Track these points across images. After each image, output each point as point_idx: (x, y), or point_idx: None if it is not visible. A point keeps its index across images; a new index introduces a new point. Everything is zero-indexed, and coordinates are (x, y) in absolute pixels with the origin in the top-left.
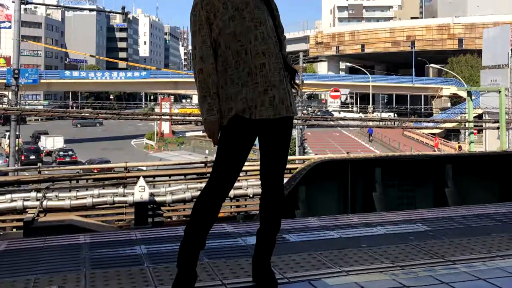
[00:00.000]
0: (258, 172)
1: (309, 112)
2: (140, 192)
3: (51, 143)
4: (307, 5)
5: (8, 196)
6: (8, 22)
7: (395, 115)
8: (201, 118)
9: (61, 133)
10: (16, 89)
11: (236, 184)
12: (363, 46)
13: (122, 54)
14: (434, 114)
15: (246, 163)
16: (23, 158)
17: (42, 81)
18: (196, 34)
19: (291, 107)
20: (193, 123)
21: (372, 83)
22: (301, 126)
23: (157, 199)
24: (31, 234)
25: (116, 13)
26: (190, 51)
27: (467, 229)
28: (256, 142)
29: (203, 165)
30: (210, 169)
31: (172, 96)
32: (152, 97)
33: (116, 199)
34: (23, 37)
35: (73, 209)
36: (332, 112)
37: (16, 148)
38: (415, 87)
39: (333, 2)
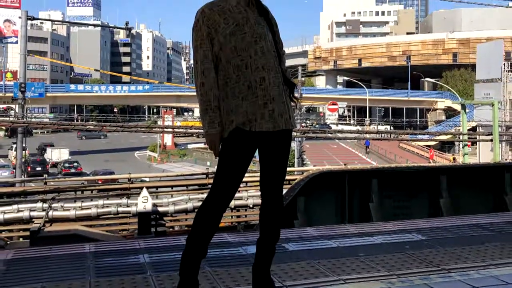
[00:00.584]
0: (258, 183)
1: (307, 124)
2: (143, 202)
3: (57, 155)
4: (306, 21)
5: (15, 206)
6: (15, 37)
7: (391, 127)
8: (202, 130)
9: (67, 145)
10: (22, 103)
11: (237, 194)
12: (360, 60)
13: (126, 69)
14: (429, 127)
15: (246, 174)
16: (29, 169)
17: (48, 94)
18: (198, 49)
19: (290, 120)
20: (194, 135)
21: (369, 96)
22: (300, 139)
23: (160, 209)
24: (37, 244)
25: (120, 28)
26: (192, 66)
27: (461, 239)
28: (256, 154)
29: (204, 176)
30: (211, 180)
31: (175, 109)
32: (155, 110)
33: (120, 209)
34: (30, 52)
35: (78, 219)
36: (330, 125)
37: (23, 159)
38: (411, 101)
39: (331, 18)
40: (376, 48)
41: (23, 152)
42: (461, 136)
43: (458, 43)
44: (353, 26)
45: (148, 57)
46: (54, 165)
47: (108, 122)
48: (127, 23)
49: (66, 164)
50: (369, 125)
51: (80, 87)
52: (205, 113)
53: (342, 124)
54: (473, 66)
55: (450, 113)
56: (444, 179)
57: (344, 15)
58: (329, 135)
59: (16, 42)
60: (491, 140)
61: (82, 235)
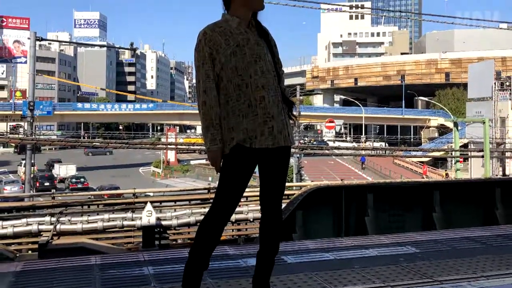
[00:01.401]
0: (258, 198)
1: (305, 141)
2: (148, 216)
3: (64, 170)
4: (304, 42)
5: (24, 220)
6: (24, 57)
7: (386, 144)
8: (204, 147)
9: (74, 161)
10: (31, 120)
11: (237, 209)
12: (356, 80)
13: (131, 87)
14: (422, 144)
15: (246, 189)
16: (38, 184)
17: (55, 112)
18: (200, 69)
19: (289, 137)
20: (197, 152)
21: (364, 114)
22: (298, 155)
23: (164, 223)
24: (46, 256)
25: (125, 49)
26: (194, 85)
27: (454, 251)
28: (256, 169)
29: (206, 191)
30: (213, 195)
31: (178, 127)
32: (158, 128)
33: (125, 223)
34: (38, 72)
35: (85, 232)
36: (327, 142)
37: (32, 175)
38: (405, 118)
39: (328, 38)
40: (372, 68)
41: (32, 168)
42: (453, 153)
43: (451, 63)
44: (349, 46)
45: (152, 77)
46: (62, 180)
47: (114, 139)
48: (132, 44)
49: (73, 180)
50: (365, 142)
51: (87, 105)
52: (207, 130)
53: (338, 141)
54: (465, 85)
55: (442, 130)
56: (437, 194)
57: (341, 36)
58: (326, 151)
59: (25, 62)
60: (482, 157)
61: (89, 248)
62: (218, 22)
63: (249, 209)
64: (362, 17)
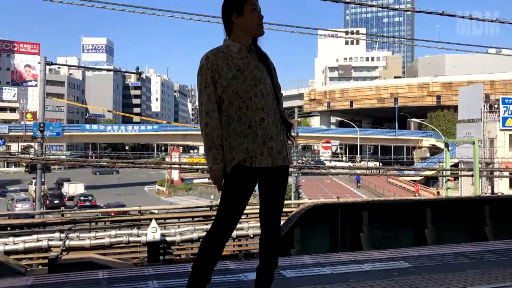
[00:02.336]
0: (258, 215)
1: (303, 161)
2: (153, 232)
3: (73, 189)
4: (301, 66)
5: (34, 236)
6: (35, 81)
7: (380, 164)
8: (207, 166)
9: (82, 180)
10: (41, 141)
11: (238, 225)
12: (351, 102)
13: (136, 110)
14: (415, 163)
15: (247, 207)
16: (47, 202)
17: (65, 133)
18: (202, 92)
19: (287, 157)
20: (199, 171)
21: (359, 135)
22: (296, 174)
23: (168, 239)
24: (55, 271)
25: (131, 73)
26: (197, 107)
27: (445, 266)
28: (256, 188)
29: (208, 208)
30: (215, 212)
31: (181, 147)
32: (163, 148)
33: (131, 239)
34: (48, 94)
35: (93, 248)
36: (324, 161)
37: (42, 193)
38: (398, 139)
39: (325, 63)
40: (366, 91)
41: (42, 186)
42: (444, 172)
43: (442, 86)
44: (345, 70)
45: (156, 99)
46: (71, 198)
47: (120, 159)
48: (137, 68)
49: (82, 198)
50: (360, 162)
51: (95, 126)
52: (209, 150)
53: (335, 160)
54: (455, 108)
55: (434, 150)
56: (429, 211)
57: (337, 60)
58: (323, 170)
59: (36, 86)
60: (472, 176)
61: (97, 262)
62: (220, 47)
63: (249, 225)
64: (357, 43)
